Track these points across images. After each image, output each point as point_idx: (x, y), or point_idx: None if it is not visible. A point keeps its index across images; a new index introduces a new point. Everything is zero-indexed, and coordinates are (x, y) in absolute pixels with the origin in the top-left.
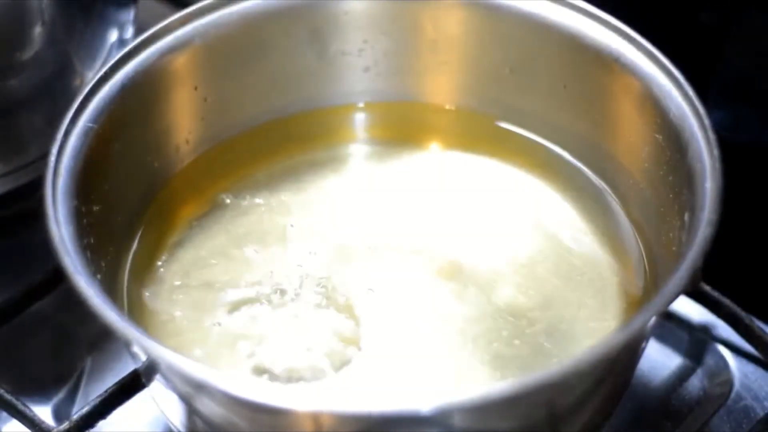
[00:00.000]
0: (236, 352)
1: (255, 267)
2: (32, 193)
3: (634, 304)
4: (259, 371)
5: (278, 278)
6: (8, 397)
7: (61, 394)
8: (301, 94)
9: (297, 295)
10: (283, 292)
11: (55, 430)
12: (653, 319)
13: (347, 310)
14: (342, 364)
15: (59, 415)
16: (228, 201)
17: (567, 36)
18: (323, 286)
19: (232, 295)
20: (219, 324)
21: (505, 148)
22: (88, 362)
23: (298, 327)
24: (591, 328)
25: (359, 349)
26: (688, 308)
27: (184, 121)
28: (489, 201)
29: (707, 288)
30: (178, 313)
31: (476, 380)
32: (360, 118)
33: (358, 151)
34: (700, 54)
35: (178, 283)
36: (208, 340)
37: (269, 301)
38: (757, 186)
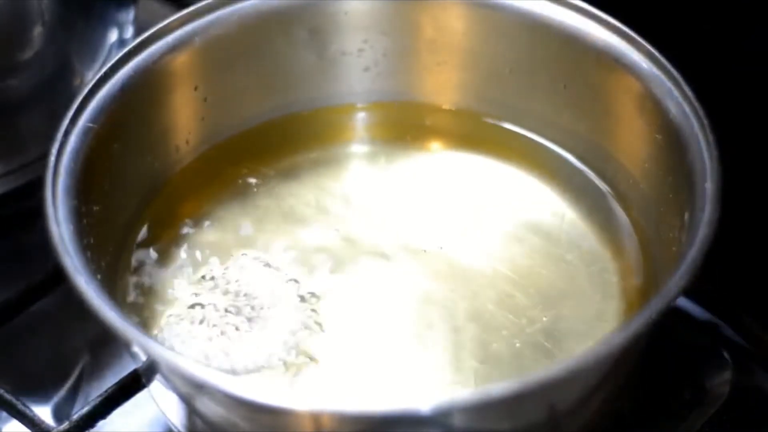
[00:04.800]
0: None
1: (253, 267)
2: (32, 193)
3: (634, 304)
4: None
5: (276, 278)
6: (8, 397)
7: (61, 394)
8: (300, 94)
9: (293, 296)
10: (280, 292)
11: (55, 430)
12: (653, 319)
13: (344, 308)
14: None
15: (59, 415)
16: (227, 201)
17: (567, 36)
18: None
19: (228, 295)
20: (207, 321)
21: (505, 148)
22: (88, 362)
23: (286, 328)
24: (591, 328)
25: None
26: (688, 308)
27: (184, 121)
28: (488, 201)
29: (707, 288)
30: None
31: (476, 380)
32: (360, 118)
33: (357, 151)
34: (709, 58)
35: (176, 283)
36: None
37: (263, 304)
38: (757, 186)
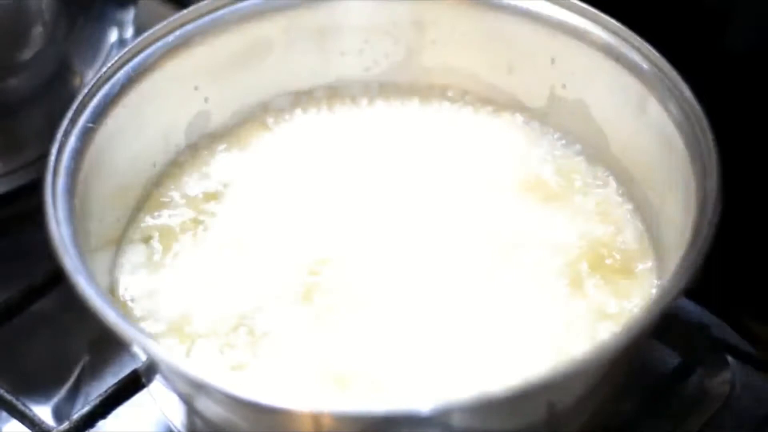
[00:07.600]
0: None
1: (253, 265)
2: (32, 193)
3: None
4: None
5: (276, 279)
6: (8, 397)
7: (61, 394)
8: (300, 94)
9: (298, 286)
10: (278, 289)
11: (55, 430)
12: (653, 320)
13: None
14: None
15: (59, 415)
16: (227, 200)
17: (567, 36)
18: (328, 263)
19: (230, 294)
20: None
21: None
22: (88, 362)
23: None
24: (591, 328)
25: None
26: (688, 308)
27: (184, 121)
28: (490, 204)
29: (707, 288)
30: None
31: (476, 380)
32: (361, 117)
33: (359, 149)
34: (703, 36)
35: (177, 283)
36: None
37: (267, 307)
38: (757, 186)
